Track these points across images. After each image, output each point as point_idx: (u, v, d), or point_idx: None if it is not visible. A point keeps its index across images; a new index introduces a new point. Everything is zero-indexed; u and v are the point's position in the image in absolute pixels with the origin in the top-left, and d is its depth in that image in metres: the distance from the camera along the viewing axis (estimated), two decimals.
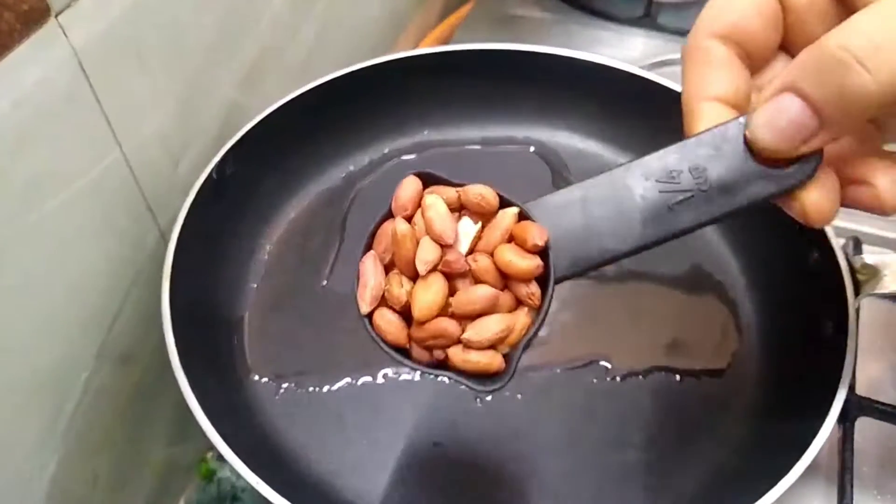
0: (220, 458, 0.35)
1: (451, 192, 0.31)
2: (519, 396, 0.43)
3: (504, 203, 0.30)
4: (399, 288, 0.30)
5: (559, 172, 0.54)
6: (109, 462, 0.42)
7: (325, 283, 0.48)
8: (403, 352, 0.30)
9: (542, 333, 0.32)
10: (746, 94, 0.29)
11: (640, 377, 0.43)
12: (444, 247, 0.29)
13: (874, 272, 0.41)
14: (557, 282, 0.30)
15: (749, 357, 0.44)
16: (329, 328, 0.46)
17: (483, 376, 0.29)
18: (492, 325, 0.29)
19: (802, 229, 0.44)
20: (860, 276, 0.41)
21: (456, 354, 0.29)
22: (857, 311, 0.39)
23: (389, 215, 0.31)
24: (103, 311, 0.40)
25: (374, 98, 0.53)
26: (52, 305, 0.36)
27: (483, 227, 0.30)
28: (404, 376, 0.44)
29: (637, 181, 0.29)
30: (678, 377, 0.44)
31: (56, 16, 0.33)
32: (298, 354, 0.45)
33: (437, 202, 0.30)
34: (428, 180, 0.31)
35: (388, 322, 0.30)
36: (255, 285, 0.47)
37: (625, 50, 0.68)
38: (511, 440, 0.41)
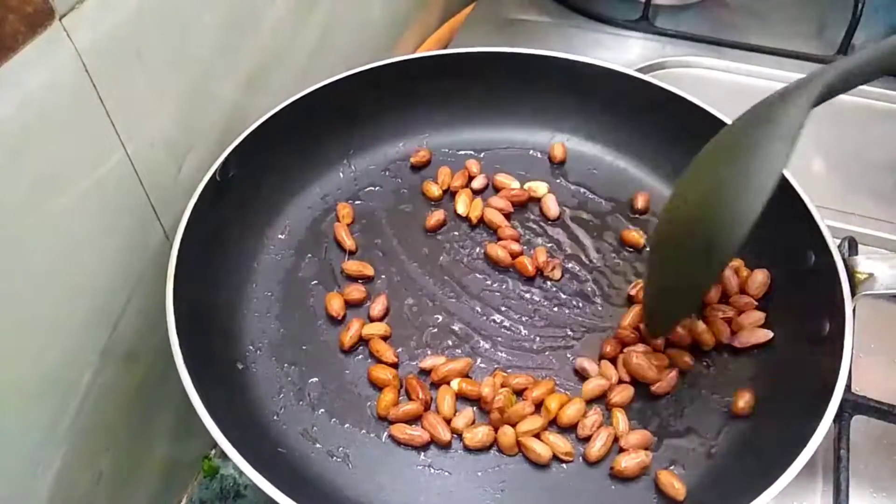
0: (224, 455, 0.35)
1: None
2: None
3: None
4: None
5: (559, 174, 0.55)
6: (113, 459, 0.42)
7: (327, 283, 0.48)
8: None
9: None
10: None
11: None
12: None
13: (870, 272, 0.41)
14: None
15: (747, 355, 0.45)
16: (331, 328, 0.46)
17: None
18: None
19: (800, 229, 0.44)
20: (856, 277, 0.41)
21: None
22: (854, 310, 0.40)
23: None
24: (108, 310, 0.40)
25: (376, 101, 0.54)
26: (57, 304, 0.37)
27: None
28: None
29: None
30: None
31: (60, 18, 0.33)
32: (300, 353, 0.45)
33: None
34: None
35: None
36: (257, 285, 0.48)
37: (623, 53, 0.68)
38: None
